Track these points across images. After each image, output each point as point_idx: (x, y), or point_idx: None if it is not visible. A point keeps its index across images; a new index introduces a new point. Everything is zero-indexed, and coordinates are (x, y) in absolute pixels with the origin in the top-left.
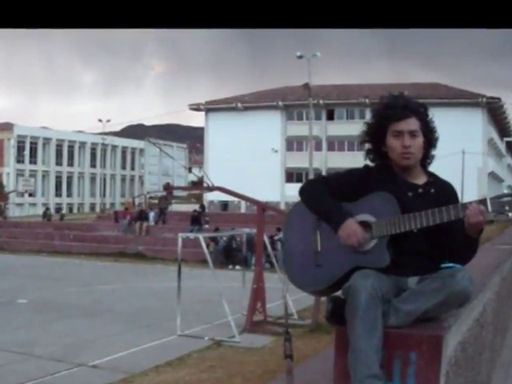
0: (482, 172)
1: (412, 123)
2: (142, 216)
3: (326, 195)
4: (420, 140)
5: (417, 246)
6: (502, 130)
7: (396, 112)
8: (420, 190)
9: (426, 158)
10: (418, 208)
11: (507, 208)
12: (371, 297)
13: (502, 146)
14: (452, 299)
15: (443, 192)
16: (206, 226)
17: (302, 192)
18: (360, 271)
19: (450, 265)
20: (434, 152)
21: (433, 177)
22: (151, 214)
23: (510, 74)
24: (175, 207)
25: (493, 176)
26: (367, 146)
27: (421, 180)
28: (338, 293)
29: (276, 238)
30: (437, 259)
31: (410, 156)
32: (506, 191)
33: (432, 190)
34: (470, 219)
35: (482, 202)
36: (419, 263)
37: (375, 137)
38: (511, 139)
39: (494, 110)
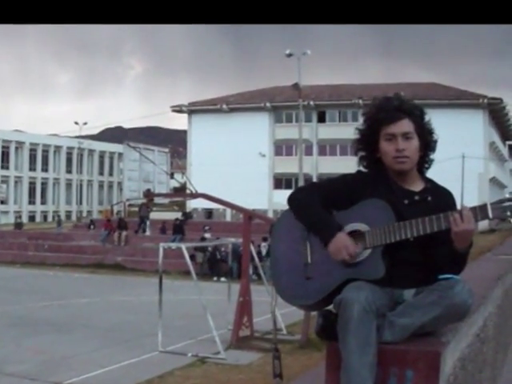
0: (483, 178)
1: (405, 125)
2: (121, 225)
3: (316, 205)
4: (415, 142)
5: (413, 257)
6: (505, 133)
7: (388, 114)
8: (416, 198)
9: (424, 163)
10: (414, 216)
11: (509, 213)
12: (364, 310)
13: (505, 150)
14: (450, 313)
15: (441, 200)
16: (208, 235)
17: (290, 200)
18: (353, 283)
19: (449, 276)
20: (432, 156)
21: (431, 183)
22: (146, 223)
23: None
24: (156, 215)
25: (494, 182)
26: (360, 153)
27: (417, 186)
28: (330, 307)
29: (263, 248)
30: (434, 270)
31: (405, 160)
32: (508, 195)
33: (429, 198)
34: (455, 228)
35: (482, 207)
36: (416, 274)
37: (368, 142)
38: None
39: (495, 111)
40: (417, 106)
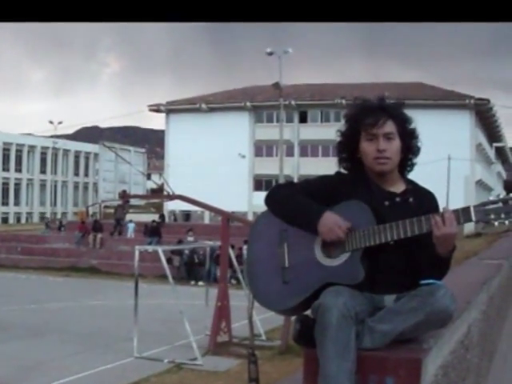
0: (470, 180)
1: (387, 125)
2: (97, 227)
3: (296, 195)
4: (396, 143)
5: (394, 261)
6: (492, 135)
7: (369, 114)
8: (397, 199)
9: (406, 166)
10: (395, 218)
11: (493, 216)
12: (343, 316)
13: (492, 152)
14: (432, 319)
15: (423, 201)
16: (191, 239)
17: (268, 197)
18: (331, 288)
19: (431, 281)
20: (415, 160)
21: (412, 185)
22: (131, 226)
23: (500, 74)
24: (133, 217)
25: (481, 184)
26: (341, 154)
27: (399, 188)
28: (308, 312)
29: (245, 250)
30: (416, 275)
31: (385, 161)
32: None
33: (411, 199)
34: (436, 232)
35: (465, 210)
36: (396, 279)
37: (349, 143)
38: (501, 144)
39: (482, 112)
40: (400, 107)
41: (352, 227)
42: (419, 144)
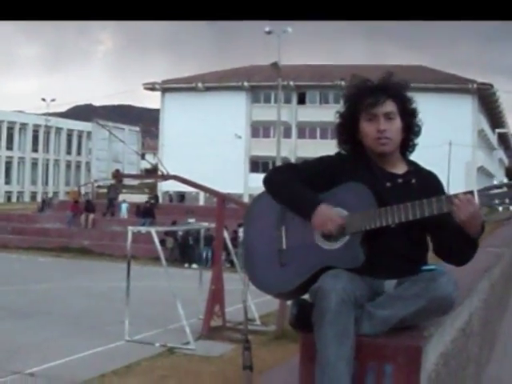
0: (471, 166)
1: (387, 105)
2: (89, 207)
3: (294, 181)
4: (397, 123)
5: (395, 245)
6: (494, 121)
7: (369, 94)
8: (399, 180)
9: (407, 146)
10: (397, 200)
11: (497, 201)
12: (342, 301)
13: (494, 138)
14: (434, 306)
15: (426, 183)
16: (192, 220)
17: (266, 180)
18: (330, 271)
19: (432, 267)
20: (416, 140)
21: (414, 166)
22: (124, 206)
23: (504, 58)
24: (126, 198)
25: (482, 171)
26: (340, 136)
27: (400, 169)
28: (305, 296)
29: (240, 233)
30: (417, 260)
31: (386, 141)
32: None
33: (413, 181)
34: (460, 215)
35: (469, 194)
36: (397, 264)
37: (348, 123)
38: (504, 131)
39: (485, 97)
40: (401, 87)
41: (345, 222)
42: (420, 123)
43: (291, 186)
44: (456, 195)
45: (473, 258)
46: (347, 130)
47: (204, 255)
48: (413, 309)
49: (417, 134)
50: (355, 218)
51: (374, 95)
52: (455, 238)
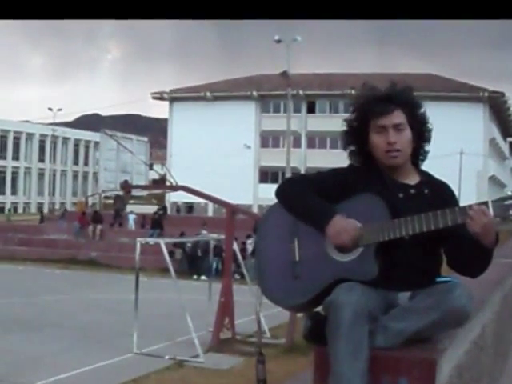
0: (482, 176)
1: (396, 116)
2: (96, 218)
3: (308, 192)
4: (407, 134)
5: (409, 257)
6: (506, 129)
7: (377, 105)
8: (412, 191)
9: (418, 155)
10: (410, 211)
11: (511, 212)
12: (356, 313)
13: (506, 147)
14: (448, 318)
15: (439, 193)
16: (205, 232)
17: (279, 191)
18: (344, 284)
19: (447, 279)
20: (427, 147)
21: (426, 176)
22: (131, 217)
23: None
24: (134, 209)
25: (494, 180)
26: (349, 147)
27: (413, 180)
28: (319, 308)
29: (248, 245)
30: (431, 272)
31: (397, 154)
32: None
33: (426, 191)
34: (475, 226)
35: (483, 205)
36: (411, 276)
37: (357, 135)
38: None
39: (496, 105)
40: (409, 94)
41: (361, 233)
42: (430, 127)
43: (304, 197)
44: (470, 206)
45: (487, 270)
46: (357, 141)
47: (213, 267)
48: (427, 321)
49: (428, 140)
50: (369, 229)
51: (382, 106)
52: (469, 250)
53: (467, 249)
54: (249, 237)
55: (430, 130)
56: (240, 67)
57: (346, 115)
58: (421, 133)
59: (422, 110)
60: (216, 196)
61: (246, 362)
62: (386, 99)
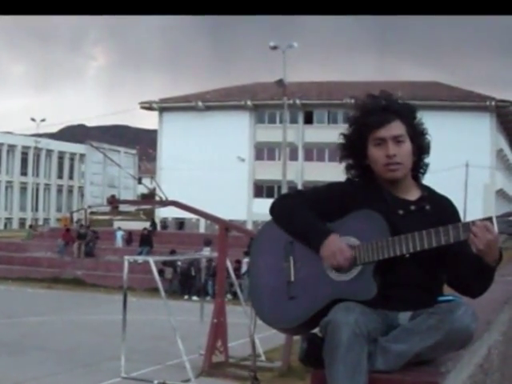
0: (489, 189)
1: (395, 127)
2: (81, 235)
3: (303, 210)
4: (407, 146)
5: (409, 275)
6: None
7: (375, 116)
8: (412, 207)
9: (418, 168)
10: (411, 228)
11: None
12: (354, 335)
13: None
14: (451, 339)
15: (440, 209)
16: (207, 253)
17: (274, 207)
18: (341, 304)
19: (449, 298)
20: (427, 159)
21: (427, 191)
22: (119, 234)
23: None
24: (122, 225)
25: (501, 194)
26: (347, 160)
27: (413, 195)
28: (316, 330)
29: (244, 264)
30: (433, 291)
31: (397, 167)
32: None
33: (427, 207)
34: (478, 243)
35: (487, 220)
36: (412, 295)
37: (354, 148)
38: None
39: (504, 115)
40: (407, 105)
41: (358, 252)
42: (428, 139)
43: (298, 216)
44: (473, 222)
45: (488, 289)
46: (354, 155)
47: (205, 286)
48: (429, 342)
49: (427, 151)
50: (367, 247)
51: (381, 118)
52: (471, 267)
53: (469, 266)
54: (246, 254)
55: (428, 142)
56: (233, 75)
57: (345, 126)
58: (421, 145)
59: (421, 122)
60: (208, 212)
61: None
62: (384, 109)
